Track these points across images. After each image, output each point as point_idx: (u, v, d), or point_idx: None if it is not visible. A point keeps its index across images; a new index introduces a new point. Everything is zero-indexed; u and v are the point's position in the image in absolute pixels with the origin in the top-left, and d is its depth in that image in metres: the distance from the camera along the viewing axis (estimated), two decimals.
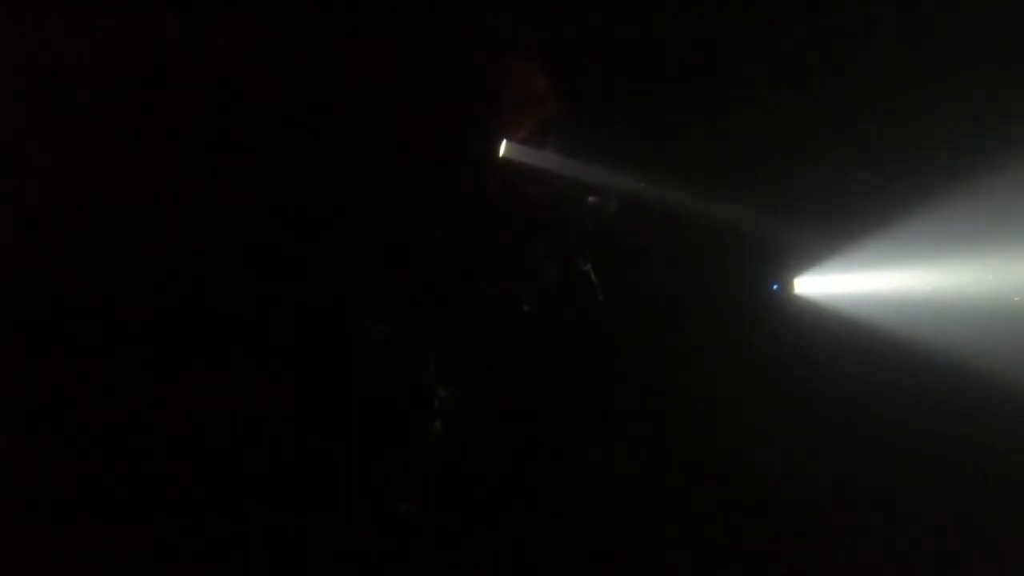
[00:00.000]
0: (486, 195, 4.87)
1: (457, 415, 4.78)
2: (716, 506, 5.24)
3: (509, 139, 4.79)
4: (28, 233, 4.27)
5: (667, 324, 5.53)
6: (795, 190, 5.64)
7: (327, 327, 4.64)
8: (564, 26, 4.82)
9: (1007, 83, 5.24)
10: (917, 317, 5.75)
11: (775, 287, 6.03)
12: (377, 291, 4.69)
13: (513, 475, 4.89)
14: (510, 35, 4.79)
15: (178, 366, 4.37)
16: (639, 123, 5.19)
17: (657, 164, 5.21)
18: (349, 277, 4.68)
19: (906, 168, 5.57)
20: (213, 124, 4.51)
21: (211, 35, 4.41)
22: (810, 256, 5.96)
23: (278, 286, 4.58)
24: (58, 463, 4.09)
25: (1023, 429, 5.33)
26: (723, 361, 5.58)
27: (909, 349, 5.69)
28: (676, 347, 5.51)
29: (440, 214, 4.80)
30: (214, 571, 4.20)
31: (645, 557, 4.94)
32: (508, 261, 4.97)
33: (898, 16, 5.06)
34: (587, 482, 5.02)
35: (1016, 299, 5.67)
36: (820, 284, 6.02)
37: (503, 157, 4.78)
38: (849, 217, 5.76)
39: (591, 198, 5.03)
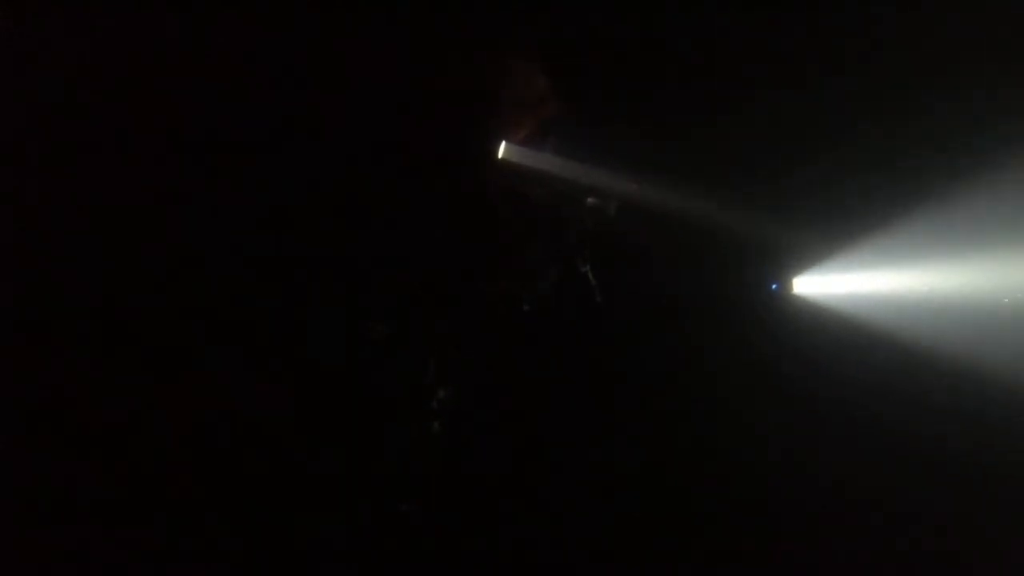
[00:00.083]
0: (486, 195, 4.86)
1: (456, 415, 4.78)
2: (715, 505, 5.24)
3: (509, 140, 4.78)
4: (27, 233, 4.27)
5: (666, 324, 5.53)
6: (794, 190, 5.65)
7: (327, 327, 4.64)
8: (564, 26, 4.82)
9: (1007, 83, 5.24)
10: (916, 317, 5.76)
11: (774, 287, 6.04)
12: (377, 291, 4.69)
13: (512, 475, 4.89)
14: (510, 35, 4.79)
15: (177, 366, 4.37)
16: (638, 123, 5.20)
17: (656, 164, 5.21)
18: (349, 277, 4.68)
19: (905, 168, 5.58)
20: (212, 124, 4.50)
21: (211, 35, 4.41)
22: (809, 256, 5.97)
23: (277, 286, 4.58)
24: (57, 463, 4.08)
25: (1022, 429, 5.33)
26: (722, 361, 5.59)
27: (908, 349, 5.69)
28: (675, 346, 5.52)
29: (440, 214, 4.79)
30: (214, 571, 4.20)
31: (644, 557, 4.94)
32: (508, 261, 4.96)
33: (898, 16, 5.06)
34: (586, 482, 5.02)
35: (1006, 300, 5.68)
36: (819, 284, 6.02)
37: (503, 158, 4.77)
38: (848, 217, 5.77)
39: (590, 199, 5.03)
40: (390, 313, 4.72)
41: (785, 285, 6.03)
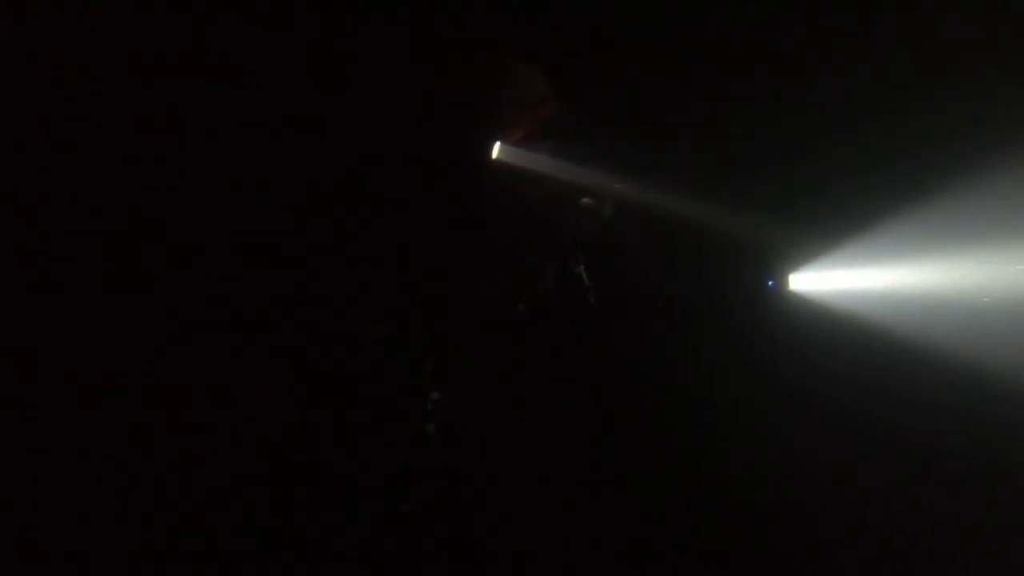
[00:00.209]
0: (484, 196, 4.87)
1: (453, 414, 4.79)
2: (713, 503, 5.25)
3: (508, 140, 4.79)
4: (28, 233, 4.27)
5: (662, 321, 5.54)
6: (790, 189, 5.66)
7: (326, 327, 4.65)
8: (564, 27, 4.81)
9: (1006, 83, 5.24)
10: (911, 314, 5.77)
11: (770, 284, 6.05)
12: (376, 291, 4.70)
13: (511, 475, 4.90)
14: (510, 35, 4.78)
15: (176, 366, 4.37)
16: (634, 123, 5.20)
17: (652, 164, 5.22)
18: (348, 277, 4.68)
19: (900, 167, 5.58)
20: (212, 124, 4.51)
21: (211, 35, 4.40)
22: (805, 253, 5.98)
23: (277, 286, 4.58)
24: (57, 463, 4.09)
25: (1018, 425, 5.34)
26: (718, 358, 5.60)
27: (903, 345, 5.71)
28: (672, 344, 5.53)
29: (437, 215, 4.80)
30: (213, 571, 4.22)
31: (642, 556, 4.95)
32: (504, 262, 4.97)
33: (898, 16, 5.05)
34: (583, 481, 5.03)
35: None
36: (815, 281, 6.03)
37: (499, 158, 4.78)
38: (844, 215, 5.77)
39: (586, 199, 5.04)
40: (390, 313, 4.73)
41: (781, 282, 6.05)
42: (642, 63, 5.09)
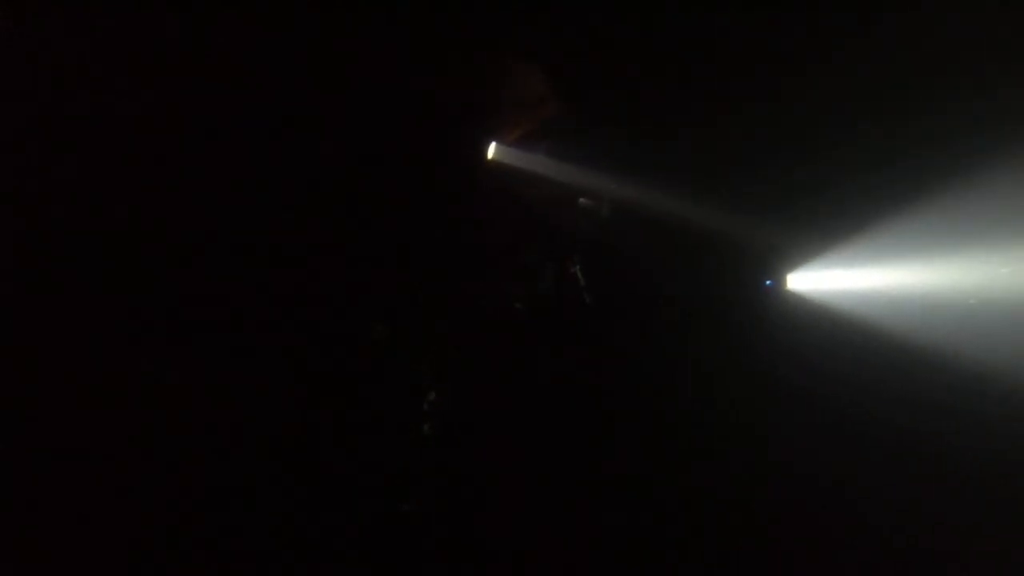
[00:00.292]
0: (483, 196, 4.87)
1: (454, 415, 4.79)
2: (711, 503, 5.25)
3: (508, 140, 4.79)
4: (28, 232, 4.27)
5: (661, 321, 5.54)
6: (789, 188, 5.65)
7: (326, 327, 4.66)
8: (563, 27, 4.81)
9: (1006, 83, 5.24)
10: (909, 313, 5.77)
11: (769, 284, 6.05)
12: (376, 291, 4.70)
13: (511, 474, 4.90)
14: (510, 35, 4.78)
15: (175, 365, 4.37)
16: (631, 123, 5.20)
17: (650, 164, 5.22)
18: (348, 277, 4.69)
19: (898, 166, 5.58)
20: (212, 124, 4.51)
21: (211, 35, 4.40)
22: (803, 253, 5.98)
23: (277, 286, 4.58)
24: (57, 462, 4.09)
25: (1016, 426, 5.34)
26: (717, 358, 5.60)
27: (902, 345, 5.71)
28: (670, 343, 5.53)
29: (437, 215, 4.80)
30: (213, 571, 4.22)
31: (641, 556, 4.96)
32: (505, 262, 4.98)
33: (898, 16, 5.05)
34: (583, 481, 5.04)
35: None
36: (814, 281, 6.03)
37: (499, 159, 4.78)
38: (842, 214, 5.77)
39: (584, 200, 5.04)
40: (389, 313, 4.73)
41: (780, 282, 6.04)
42: (642, 63, 5.08)
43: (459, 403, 4.82)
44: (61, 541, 3.99)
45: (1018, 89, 5.21)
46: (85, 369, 4.20)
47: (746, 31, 5.01)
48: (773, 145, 5.51)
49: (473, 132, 4.87)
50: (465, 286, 4.95)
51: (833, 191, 5.69)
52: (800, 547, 5.11)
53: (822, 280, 6.02)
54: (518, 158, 4.85)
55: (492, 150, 4.79)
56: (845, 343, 5.81)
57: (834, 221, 5.82)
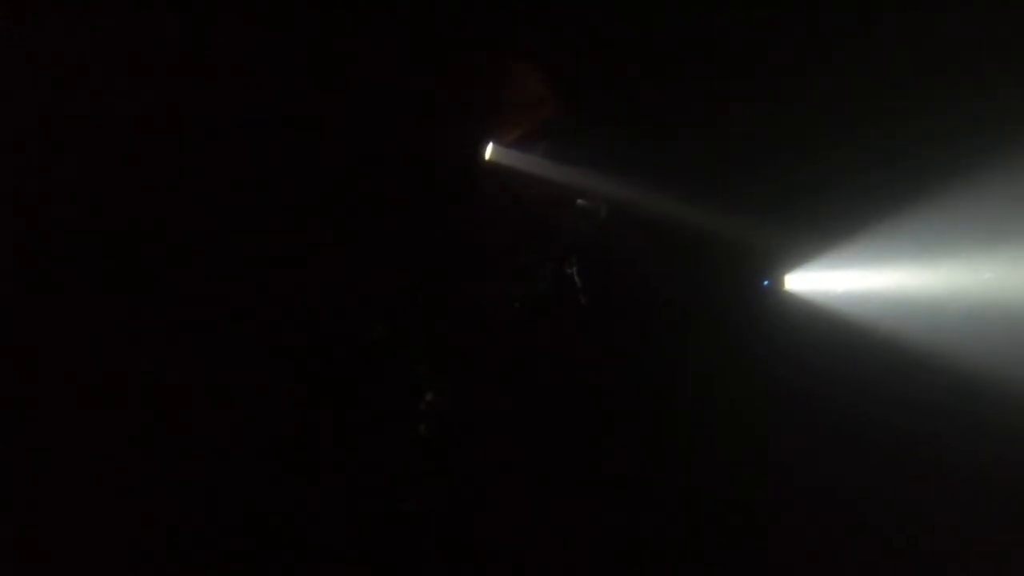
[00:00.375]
0: (482, 197, 4.87)
1: (453, 414, 4.80)
2: (710, 503, 5.26)
3: (507, 140, 4.79)
4: (28, 232, 4.27)
5: (659, 321, 5.55)
6: (788, 188, 5.65)
7: (326, 327, 4.66)
8: (563, 26, 4.81)
9: (1006, 83, 5.23)
10: (906, 314, 5.77)
11: (766, 284, 6.05)
12: (376, 291, 4.71)
13: (510, 474, 4.91)
14: (510, 35, 4.78)
15: (175, 365, 4.38)
16: (630, 123, 5.20)
17: (649, 164, 5.22)
18: (348, 277, 4.69)
19: (898, 167, 5.57)
20: (212, 124, 4.51)
21: (211, 35, 4.40)
22: (801, 254, 5.98)
23: (277, 286, 4.59)
24: (57, 462, 4.10)
25: (1014, 426, 5.34)
26: (714, 358, 5.60)
27: (898, 346, 5.71)
28: (668, 344, 5.53)
29: (436, 215, 4.80)
30: (214, 571, 4.23)
31: (640, 555, 4.96)
32: (504, 262, 4.98)
33: (898, 16, 5.05)
34: (580, 481, 5.04)
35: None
36: (812, 281, 6.04)
37: (498, 159, 4.78)
38: (842, 215, 5.77)
39: (581, 200, 5.04)
40: (389, 313, 4.74)
41: (777, 282, 6.05)
42: (642, 63, 5.08)
43: (459, 403, 4.82)
44: (61, 541, 3.99)
45: (1018, 89, 5.21)
46: (85, 369, 4.20)
47: (746, 31, 5.01)
48: (773, 145, 5.50)
49: (473, 132, 4.87)
50: (464, 286, 4.95)
51: (833, 191, 5.69)
52: (799, 547, 5.11)
53: (820, 280, 6.03)
54: (517, 159, 4.85)
55: (491, 151, 4.78)
56: (842, 343, 5.81)
57: (833, 221, 5.81)
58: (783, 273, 6.03)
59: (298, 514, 4.44)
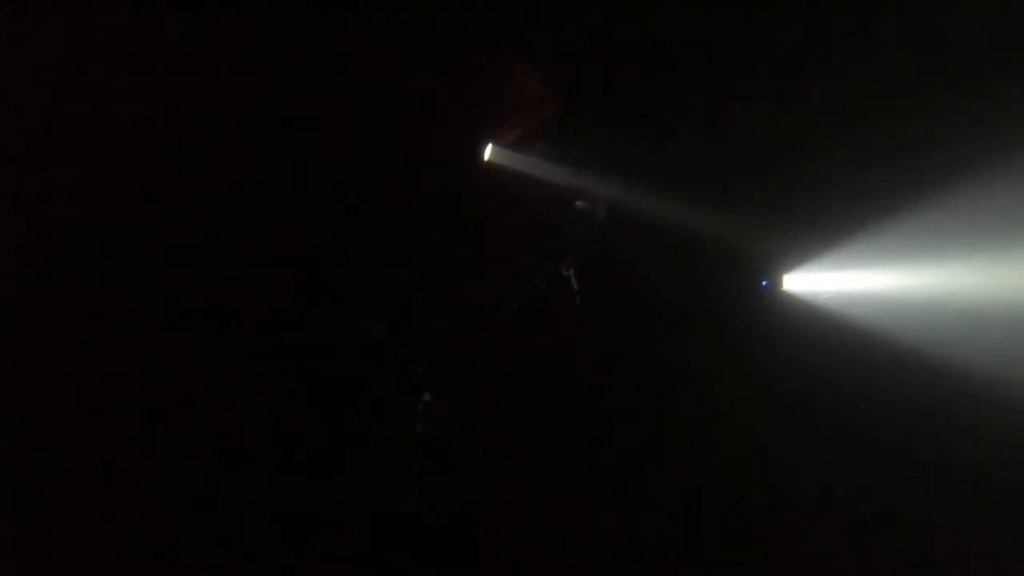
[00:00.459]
0: (481, 197, 4.87)
1: (453, 414, 4.80)
2: (709, 503, 5.26)
3: (507, 140, 4.79)
4: (29, 232, 4.27)
5: (658, 322, 5.55)
6: (787, 189, 5.65)
7: (326, 327, 4.66)
8: (563, 26, 4.81)
9: (1006, 83, 5.23)
10: (906, 315, 5.78)
11: (765, 284, 6.05)
12: (376, 291, 4.71)
13: (510, 474, 4.91)
14: (510, 35, 4.78)
15: (174, 365, 4.38)
16: (629, 124, 5.20)
17: (649, 164, 5.22)
18: (348, 277, 4.69)
19: (896, 168, 5.58)
20: (212, 124, 4.51)
21: (211, 35, 4.40)
22: (799, 255, 5.98)
23: (277, 286, 4.59)
24: (57, 462, 4.10)
25: (1012, 425, 5.35)
26: (712, 358, 5.60)
27: (897, 346, 5.71)
28: (666, 344, 5.53)
29: (436, 215, 4.80)
30: (214, 571, 4.23)
31: (639, 555, 4.96)
32: (503, 263, 4.98)
33: (898, 16, 5.04)
34: (582, 481, 5.04)
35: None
36: (810, 282, 6.04)
37: (497, 160, 4.78)
38: (840, 216, 5.77)
39: (581, 201, 5.04)
40: (388, 313, 4.74)
41: (775, 283, 6.05)
42: (642, 63, 5.08)
43: (458, 403, 4.83)
44: (61, 541, 3.99)
45: (1018, 89, 5.21)
46: (85, 369, 4.20)
47: (746, 31, 5.01)
48: (773, 145, 5.50)
49: (472, 132, 4.87)
50: (463, 286, 4.96)
51: (833, 191, 5.69)
52: (799, 547, 5.11)
53: (819, 281, 6.03)
54: (516, 160, 4.85)
55: (490, 151, 4.79)
56: (842, 344, 5.81)
57: (833, 221, 5.82)
58: (782, 273, 6.03)
59: (298, 514, 4.43)
